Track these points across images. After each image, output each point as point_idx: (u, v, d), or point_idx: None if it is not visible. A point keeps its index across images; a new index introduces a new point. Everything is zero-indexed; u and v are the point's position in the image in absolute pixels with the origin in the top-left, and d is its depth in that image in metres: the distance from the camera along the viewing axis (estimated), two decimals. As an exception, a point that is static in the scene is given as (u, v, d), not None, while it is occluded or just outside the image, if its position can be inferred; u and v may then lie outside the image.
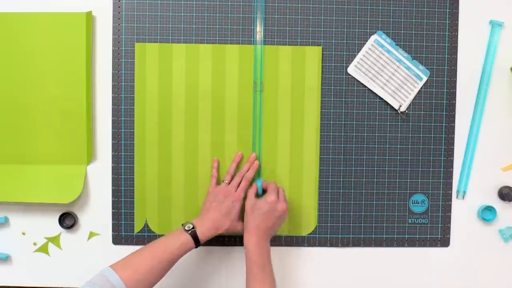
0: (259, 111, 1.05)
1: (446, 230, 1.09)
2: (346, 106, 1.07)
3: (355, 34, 1.06)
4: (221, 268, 1.06)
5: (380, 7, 1.06)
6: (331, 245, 1.08)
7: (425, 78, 1.07)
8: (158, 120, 1.05)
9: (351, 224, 1.08)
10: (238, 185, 1.01)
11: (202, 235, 0.94)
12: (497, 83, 1.08)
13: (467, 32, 1.08)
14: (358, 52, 1.06)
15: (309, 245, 1.08)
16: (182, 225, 0.95)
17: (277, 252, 1.07)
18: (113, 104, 1.05)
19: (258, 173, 1.05)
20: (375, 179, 1.08)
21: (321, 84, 1.06)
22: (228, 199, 0.99)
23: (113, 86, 1.05)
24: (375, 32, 1.06)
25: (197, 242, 0.93)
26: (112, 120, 1.05)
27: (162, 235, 1.06)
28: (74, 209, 1.06)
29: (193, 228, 0.94)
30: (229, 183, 1.02)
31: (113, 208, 1.05)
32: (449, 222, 1.09)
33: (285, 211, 0.98)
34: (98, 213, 1.06)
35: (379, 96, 1.07)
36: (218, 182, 1.05)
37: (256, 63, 1.05)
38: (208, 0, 1.05)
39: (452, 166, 1.08)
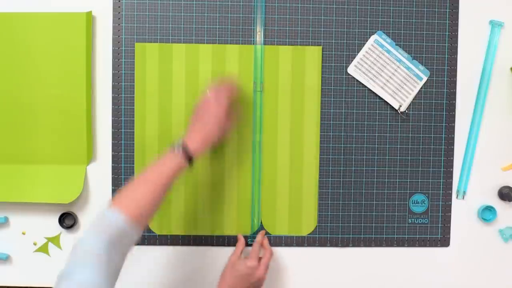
0: (259, 111, 1.05)
1: (446, 230, 1.09)
2: (346, 106, 1.07)
3: (355, 34, 1.06)
4: (218, 268, 1.06)
5: (380, 7, 1.06)
6: (331, 245, 1.08)
7: (425, 78, 1.07)
8: (158, 120, 1.05)
9: (351, 224, 1.08)
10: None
11: (194, 150, 0.90)
12: (497, 83, 1.08)
13: (467, 32, 1.08)
14: (358, 52, 1.06)
15: (309, 245, 1.08)
16: (171, 146, 0.92)
17: (277, 252, 1.07)
18: (113, 104, 1.05)
19: (258, 172, 1.05)
20: (375, 179, 1.08)
21: (321, 84, 1.06)
22: (207, 108, 0.95)
23: (113, 86, 1.05)
24: (375, 32, 1.06)
25: (189, 160, 0.90)
26: (112, 120, 1.05)
27: (163, 235, 1.06)
28: (74, 209, 1.06)
29: (183, 145, 0.90)
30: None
31: (113, 208, 1.05)
32: (449, 222, 1.09)
33: (262, 279, 0.97)
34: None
35: (379, 96, 1.07)
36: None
37: (256, 63, 1.05)
38: (208, 0, 1.05)
39: (452, 166, 1.08)
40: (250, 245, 1.06)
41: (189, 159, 0.90)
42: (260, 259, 0.99)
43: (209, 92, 0.97)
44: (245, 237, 1.06)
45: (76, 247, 0.75)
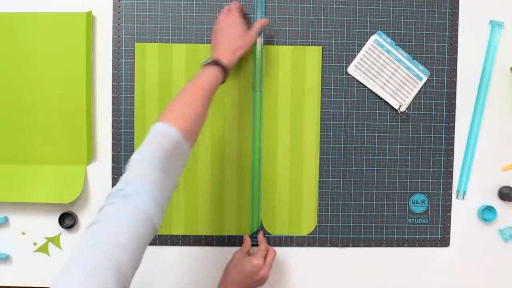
0: (259, 111, 1.05)
1: (446, 230, 1.09)
2: (346, 106, 1.07)
3: (355, 34, 1.06)
4: (219, 268, 1.06)
5: (380, 7, 1.06)
6: (331, 245, 1.08)
7: (425, 78, 1.07)
8: (158, 120, 1.05)
9: (351, 224, 1.08)
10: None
11: (228, 61, 0.93)
12: (497, 83, 1.08)
13: (467, 32, 1.08)
14: (358, 52, 1.06)
15: (309, 245, 1.08)
16: (203, 63, 0.93)
17: (277, 252, 1.07)
18: (113, 104, 1.05)
19: (258, 174, 1.05)
20: (375, 179, 1.08)
21: (321, 84, 1.06)
22: (227, 24, 0.97)
23: (113, 86, 1.05)
24: (375, 32, 1.06)
25: (224, 72, 0.92)
26: (112, 120, 1.05)
27: (163, 235, 1.06)
28: (74, 209, 1.06)
29: (213, 60, 0.92)
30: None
31: (113, 208, 1.05)
32: (449, 222, 1.09)
33: (265, 278, 0.98)
34: (98, 213, 1.06)
35: (379, 96, 1.07)
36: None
37: (256, 63, 1.05)
38: (208, 0, 1.05)
39: (452, 166, 1.08)
40: (253, 245, 1.06)
41: (223, 72, 0.92)
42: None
43: (223, 13, 0.99)
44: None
45: (132, 164, 0.74)
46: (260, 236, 1.04)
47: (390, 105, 1.07)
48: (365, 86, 1.07)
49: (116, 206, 0.68)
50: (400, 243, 1.09)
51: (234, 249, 1.05)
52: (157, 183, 0.72)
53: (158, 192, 0.72)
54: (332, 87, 1.06)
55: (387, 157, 1.07)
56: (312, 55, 1.06)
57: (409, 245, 1.09)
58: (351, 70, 1.06)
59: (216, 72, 0.90)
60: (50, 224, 1.05)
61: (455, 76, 1.08)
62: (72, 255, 0.63)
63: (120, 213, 0.67)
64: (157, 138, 0.77)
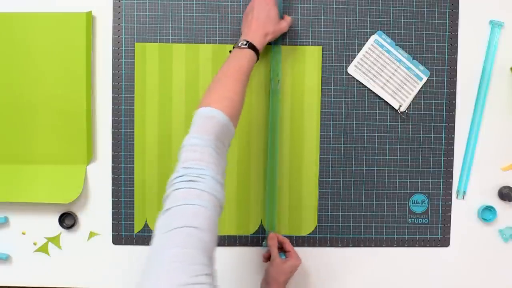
0: (277, 112, 1.05)
1: (446, 230, 1.09)
2: (346, 106, 1.07)
3: (355, 34, 1.06)
4: (222, 268, 1.06)
5: (380, 7, 1.06)
6: (331, 245, 1.08)
7: (425, 78, 1.07)
8: (158, 120, 1.05)
9: (351, 224, 1.08)
10: None
11: (259, 44, 0.94)
12: (497, 83, 1.08)
13: (467, 32, 1.08)
14: (358, 52, 1.06)
15: (309, 245, 1.08)
16: (234, 47, 0.94)
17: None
18: (113, 104, 1.05)
19: (273, 172, 1.05)
20: (375, 179, 1.08)
21: (321, 84, 1.06)
22: (261, 7, 0.97)
23: (113, 86, 1.05)
24: (375, 32, 1.06)
25: (257, 54, 0.93)
26: (112, 120, 1.05)
27: (162, 235, 1.06)
28: (74, 209, 1.06)
29: (247, 42, 0.93)
30: None
31: (113, 208, 1.05)
32: (449, 222, 1.09)
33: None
34: (98, 213, 1.06)
35: (379, 96, 1.07)
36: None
37: (272, 63, 1.05)
38: (208, 0, 1.05)
39: (452, 166, 1.08)
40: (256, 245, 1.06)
41: (257, 53, 0.93)
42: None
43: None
44: (246, 237, 1.06)
45: (186, 150, 0.76)
46: (280, 237, 1.04)
47: (390, 105, 1.07)
48: (365, 86, 1.07)
49: (184, 191, 0.71)
50: (400, 243, 1.08)
51: (234, 249, 1.05)
52: (215, 164, 0.75)
53: (217, 172, 0.75)
54: (332, 87, 1.06)
55: (387, 157, 1.07)
56: (312, 55, 1.06)
57: (409, 245, 1.09)
58: (351, 70, 1.06)
59: (251, 54, 0.92)
60: (50, 224, 1.05)
61: (455, 76, 1.08)
62: (153, 245, 0.66)
63: (190, 197, 0.70)
64: (206, 122, 0.79)
